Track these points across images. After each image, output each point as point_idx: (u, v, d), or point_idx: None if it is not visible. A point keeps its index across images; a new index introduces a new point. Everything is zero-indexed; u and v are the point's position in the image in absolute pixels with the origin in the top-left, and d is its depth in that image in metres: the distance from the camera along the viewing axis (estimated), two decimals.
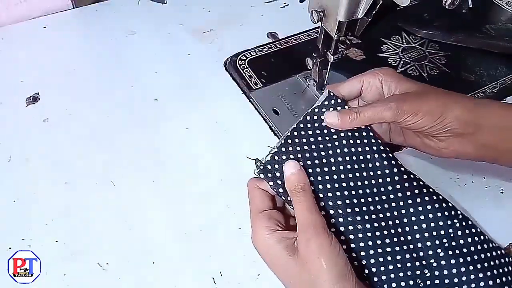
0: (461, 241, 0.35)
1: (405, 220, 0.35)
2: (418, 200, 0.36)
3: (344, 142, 0.37)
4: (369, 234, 0.33)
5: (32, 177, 0.47)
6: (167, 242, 0.43)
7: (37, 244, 0.42)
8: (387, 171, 0.36)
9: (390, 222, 0.35)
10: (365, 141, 0.37)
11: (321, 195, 0.34)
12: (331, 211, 0.34)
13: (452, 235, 0.35)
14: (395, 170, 0.37)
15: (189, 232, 0.43)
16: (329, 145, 0.36)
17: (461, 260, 0.34)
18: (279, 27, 0.65)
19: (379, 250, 0.33)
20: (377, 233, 0.34)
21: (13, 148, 0.49)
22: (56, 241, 0.42)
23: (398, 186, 0.36)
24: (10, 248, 0.41)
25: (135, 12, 0.67)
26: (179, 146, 0.50)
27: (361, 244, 0.33)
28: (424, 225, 0.35)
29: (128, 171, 0.48)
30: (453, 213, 0.36)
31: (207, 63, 0.59)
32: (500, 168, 0.49)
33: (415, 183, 0.37)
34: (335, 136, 0.37)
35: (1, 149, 0.49)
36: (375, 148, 0.37)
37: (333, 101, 0.38)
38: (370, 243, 0.33)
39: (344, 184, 0.35)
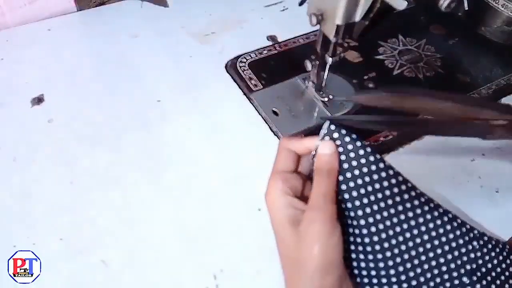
0: (489, 265, 0.35)
1: (435, 252, 0.35)
2: (449, 227, 0.35)
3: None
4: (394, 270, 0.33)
5: (37, 177, 0.47)
6: (169, 240, 0.43)
7: (41, 244, 0.42)
8: (417, 210, 0.35)
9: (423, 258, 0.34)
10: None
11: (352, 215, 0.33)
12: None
13: (484, 258, 0.35)
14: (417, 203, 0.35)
15: (190, 230, 0.44)
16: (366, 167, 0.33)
17: (493, 287, 0.35)
18: (278, 30, 0.65)
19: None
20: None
21: (18, 149, 0.50)
22: (61, 239, 0.43)
23: (421, 220, 0.35)
24: (14, 246, 0.42)
25: (138, 15, 0.67)
26: (181, 146, 0.51)
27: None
28: (456, 253, 0.35)
29: (131, 170, 0.48)
30: (481, 238, 0.36)
31: (209, 65, 0.60)
32: (496, 168, 0.50)
33: (436, 213, 0.36)
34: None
35: (7, 149, 0.50)
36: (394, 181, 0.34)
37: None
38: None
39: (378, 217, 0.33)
